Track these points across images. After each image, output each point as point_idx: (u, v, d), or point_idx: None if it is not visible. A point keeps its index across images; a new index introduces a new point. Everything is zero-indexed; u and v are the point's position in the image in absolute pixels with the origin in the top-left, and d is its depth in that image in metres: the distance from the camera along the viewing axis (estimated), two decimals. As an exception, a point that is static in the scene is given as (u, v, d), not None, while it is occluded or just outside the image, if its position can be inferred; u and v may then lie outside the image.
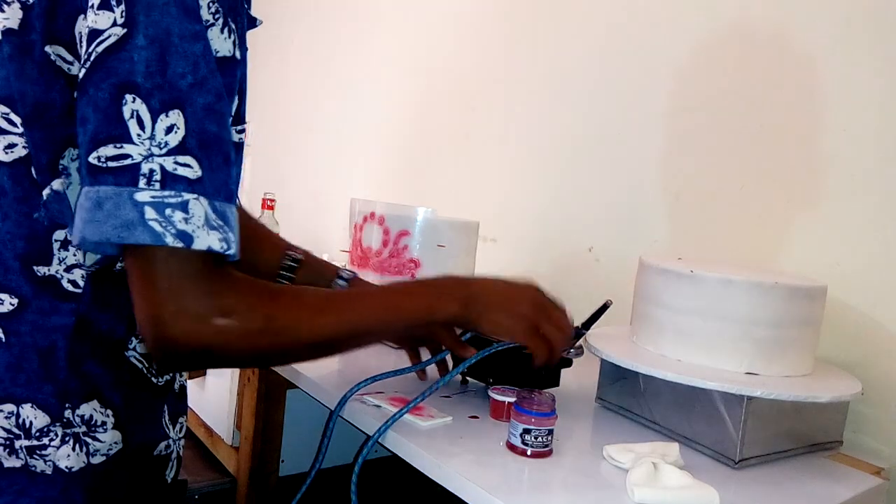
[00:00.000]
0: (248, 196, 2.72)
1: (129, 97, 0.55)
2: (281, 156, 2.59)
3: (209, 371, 1.37)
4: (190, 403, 1.43)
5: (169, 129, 0.56)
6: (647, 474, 0.71)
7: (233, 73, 0.61)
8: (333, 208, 2.28)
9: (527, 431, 0.76)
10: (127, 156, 0.55)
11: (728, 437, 0.82)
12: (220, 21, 0.59)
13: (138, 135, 0.55)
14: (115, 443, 0.69)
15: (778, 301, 0.85)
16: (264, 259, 1.02)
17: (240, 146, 0.68)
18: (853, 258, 1.02)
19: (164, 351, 0.60)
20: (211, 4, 0.59)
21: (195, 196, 0.57)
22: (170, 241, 0.55)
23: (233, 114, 0.65)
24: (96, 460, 0.68)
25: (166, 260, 0.57)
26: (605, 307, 0.96)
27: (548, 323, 0.83)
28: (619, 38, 1.38)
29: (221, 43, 0.60)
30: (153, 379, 0.72)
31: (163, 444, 0.75)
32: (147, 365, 0.72)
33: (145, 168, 0.55)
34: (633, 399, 0.94)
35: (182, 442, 0.80)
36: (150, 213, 0.55)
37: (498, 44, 1.66)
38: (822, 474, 0.84)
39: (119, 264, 0.67)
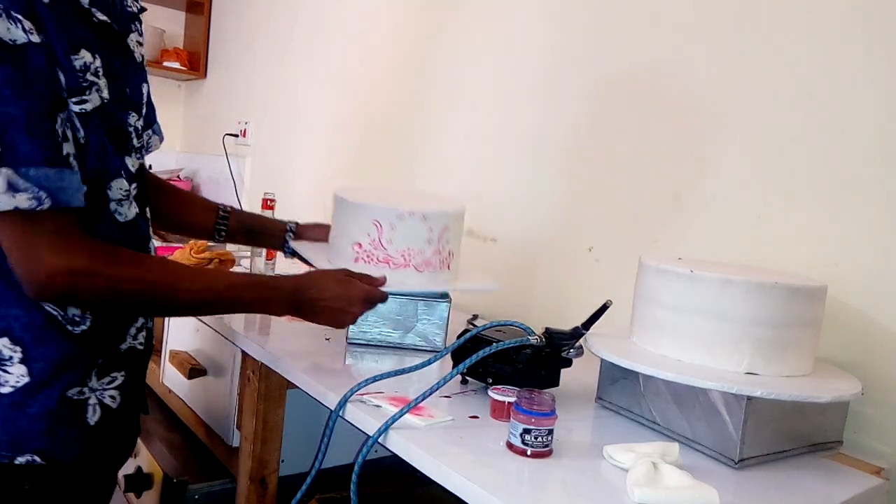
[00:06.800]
0: (249, 196, 2.72)
1: None
2: (281, 156, 2.59)
3: (209, 371, 1.37)
4: (190, 403, 1.44)
5: None
6: (647, 474, 0.71)
7: (36, 56, 0.73)
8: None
9: (527, 431, 0.76)
10: None
11: (728, 437, 0.82)
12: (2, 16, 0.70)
13: None
14: (22, 375, 0.81)
15: (778, 301, 0.85)
16: (197, 220, 1.20)
17: (84, 116, 0.79)
18: (853, 258, 1.01)
19: (32, 292, 0.78)
20: None
21: None
22: None
23: (67, 88, 0.77)
24: (5, 390, 0.80)
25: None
26: (604, 307, 0.96)
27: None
28: (619, 36, 1.38)
29: (14, 33, 0.71)
30: (68, 326, 0.83)
31: (75, 390, 0.85)
32: (63, 313, 0.82)
33: None
34: (632, 399, 0.94)
35: (112, 393, 0.90)
36: None
37: (497, 42, 1.66)
38: (822, 474, 0.84)
39: None
